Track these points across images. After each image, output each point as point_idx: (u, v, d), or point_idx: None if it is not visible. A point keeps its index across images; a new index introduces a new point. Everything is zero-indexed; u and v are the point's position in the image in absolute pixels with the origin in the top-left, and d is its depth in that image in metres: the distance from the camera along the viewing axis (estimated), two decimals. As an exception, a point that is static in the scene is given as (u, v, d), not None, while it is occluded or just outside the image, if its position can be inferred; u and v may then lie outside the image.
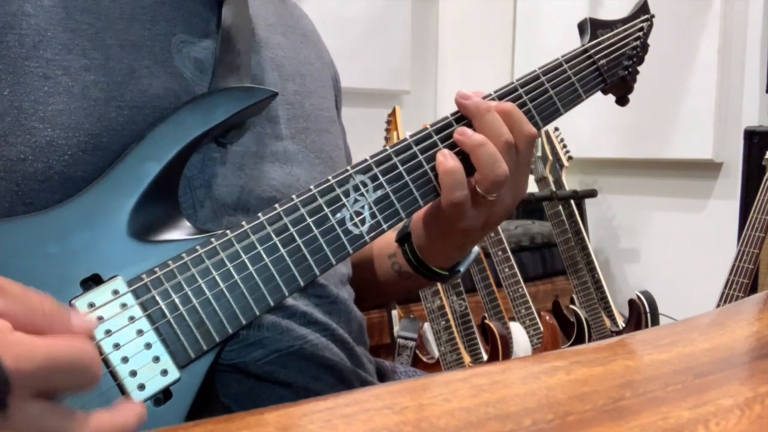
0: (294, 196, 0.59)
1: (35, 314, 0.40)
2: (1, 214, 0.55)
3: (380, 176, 0.63)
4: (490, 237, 2.08)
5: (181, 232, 0.57)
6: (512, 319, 2.11)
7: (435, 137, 0.65)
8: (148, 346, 0.52)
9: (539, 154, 2.42)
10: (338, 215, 0.60)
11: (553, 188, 2.36)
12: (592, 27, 0.77)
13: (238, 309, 0.55)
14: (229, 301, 0.55)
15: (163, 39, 0.64)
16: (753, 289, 1.83)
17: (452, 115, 0.67)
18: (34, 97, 0.57)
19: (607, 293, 2.34)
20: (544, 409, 0.39)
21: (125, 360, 0.51)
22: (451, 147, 0.65)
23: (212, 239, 0.56)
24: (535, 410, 0.38)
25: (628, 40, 0.79)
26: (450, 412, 0.38)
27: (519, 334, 2.07)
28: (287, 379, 0.63)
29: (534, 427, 0.36)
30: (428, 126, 0.66)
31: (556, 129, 2.47)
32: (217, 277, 0.55)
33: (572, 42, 0.77)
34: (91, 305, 0.51)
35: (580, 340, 2.26)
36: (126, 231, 0.55)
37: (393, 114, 2.06)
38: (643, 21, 0.81)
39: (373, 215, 0.62)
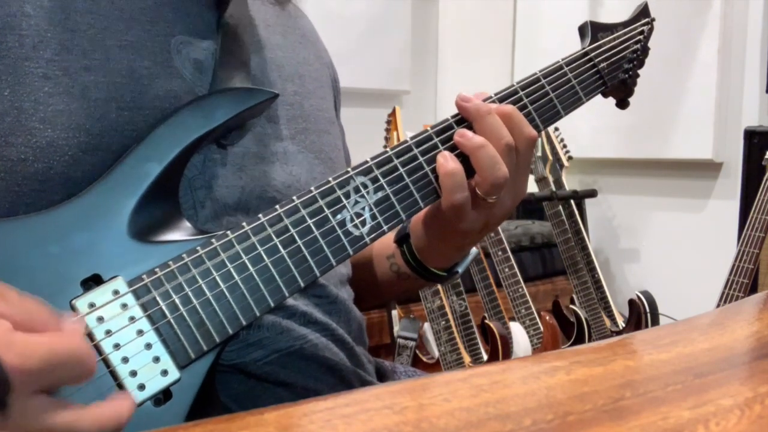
0: (295, 198, 0.59)
1: (32, 317, 0.42)
2: (2, 215, 0.55)
3: (381, 178, 0.63)
4: (490, 237, 2.08)
5: (181, 233, 0.58)
6: (512, 319, 2.11)
7: (435, 139, 0.66)
8: (149, 346, 0.52)
9: (539, 154, 2.42)
10: (339, 216, 0.60)
11: (553, 188, 2.36)
12: (592, 30, 0.77)
13: (238, 310, 0.55)
14: (229, 302, 0.55)
15: (163, 40, 0.64)
16: (753, 289, 1.83)
17: (452, 117, 0.67)
18: (35, 97, 0.57)
19: (607, 293, 2.34)
20: (544, 409, 0.39)
21: (125, 360, 0.51)
22: (452, 149, 0.65)
23: (213, 240, 0.56)
24: (535, 410, 0.38)
25: (628, 43, 0.79)
26: (450, 412, 0.38)
27: (519, 334, 2.07)
28: (287, 379, 0.63)
29: (534, 427, 0.36)
30: (429, 127, 0.66)
31: (556, 129, 2.47)
32: (217, 278, 0.55)
33: (572, 42, 0.77)
34: (92, 305, 0.51)
35: (580, 340, 2.26)
36: (126, 231, 0.55)
37: (393, 114, 2.06)
38: (643, 24, 0.81)
39: (373, 216, 0.62)
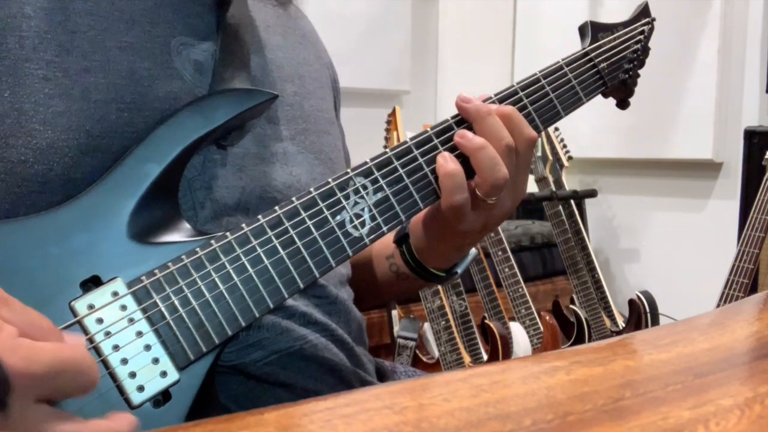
0: (294, 199, 0.59)
1: (34, 328, 0.42)
2: (2, 216, 0.55)
3: (380, 179, 0.63)
4: (490, 237, 2.08)
5: (181, 234, 0.58)
6: (512, 319, 2.11)
7: (435, 140, 0.66)
8: (148, 347, 0.52)
9: (539, 154, 2.42)
10: (338, 218, 0.60)
11: (553, 188, 2.36)
12: (593, 30, 0.77)
13: (237, 311, 0.55)
14: (228, 303, 0.55)
15: (163, 41, 0.64)
16: (753, 289, 1.83)
17: (452, 117, 0.67)
18: (35, 99, 0.57)
19: (607, 293, 2.34)
20: (544, 409, 0.39)
21: (125, 361, 0.51)
22: (451, 150, 0.65)
23: (212, 241, 0.56)
24: (535, 410, 0.38)
25: (629, 43, 0.79)
26: (450, 412, 0.38)
27: (519, 334, 2.07)
28: (287, 379, 0.63)
29: (534, 427, 0.36)
30: (428, 128, 0.66)
31: (556, 129, 2.47)
32: (216, 279, 0.55)
33: (572, 42, 0.77)
34: (91, 307, 0.51)
35: (580, 340, 2.26)
36: (126, 233, 0.55)
37: (393, 114, 2.06)
38: (644, 24, 0.81)
39: (372, 218, 0.62)
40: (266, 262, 0.57)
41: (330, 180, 0.61)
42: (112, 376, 0.50)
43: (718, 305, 1.81)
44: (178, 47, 0.65)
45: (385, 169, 0.63)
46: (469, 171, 0.65)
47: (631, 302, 2.27)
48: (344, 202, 0.61)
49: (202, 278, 0.55)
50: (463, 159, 0.65)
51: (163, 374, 0.52)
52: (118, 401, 0.50)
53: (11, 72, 0.57)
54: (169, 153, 0.58)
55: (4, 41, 0.57)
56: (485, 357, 1.96)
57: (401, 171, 0.64)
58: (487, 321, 1.99)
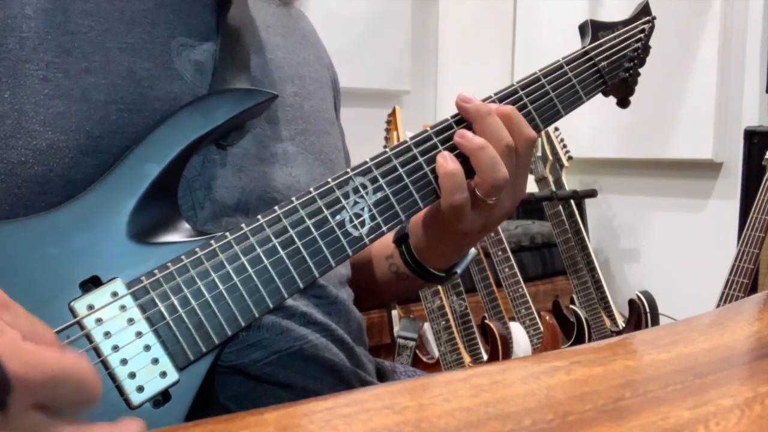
0: (294, 198, 0.59)
1: (37, 336, 0.40)
2: (2, 217, 0.55)
3: (380, 178, 0.63)
4: (490, 237, 2.08)
5: (180, 234, 0.57)
6: (512, 319, 2.11)
7: (435, 139, 0.65)
8: (147, 348, 0.52)
9: (539, 154, 2.42)
10: (338, 217, 0.60)
11: (553, 188, 2.36)
12: (593, 29, 0.77)
13: (237, 311, 0.55)
14: (228, 303, 0.55)
15: (163, 42, 0.64)
16: (753, 289, 1.83)
17: (452, 117, 0.67)
18: (35, 99, 0.57)
19: (607, 293, 2.34)
20: (544, 409, 0.39)
21: (124, 362, 0.51)
22: (451, 149, 0.65)
23: (212, 241, 0.56)
24: (535, 410, 0.38)
25: (629, 42, 0.79)
26: (450, 412, 0.38)
27: (519, 334, 2.07)
28: (287, 380, 0.63)
29: (534, 427, 0.36)
30: (428, 128, 0.66)
31: (556, 129, 2.47)
32: (216, 279, 0.55)
33: (572, 42, 0.77)
34: (90, 307, 0.51)
35: (580, 340, 2.26)
36: (125, 233, 0.55)
37: (393, 114, 2.06)
38: (644, 23, 0.81)
39: (372, 217, 0.62)
40: (266, 262, 0.57)
41: (329, 180, 0.61)
42: (112, 376, 0.50)
43: (718, 305, 1.81)
44: (178, 48, 0.65)
45: (384, 169, 0.63)
46: (469, 171, 0.65)
47: (631, 302, 2.27)
48: (344, 202, 0.61)
49: (202, 278, 0.55)
50: (463, 159, 0.65)
51: (163, 374, 0.52)
52: (117, 401, 0.50)
53: (11, 73, 0.57)
54: (168, 153, 0.58)
55: (4, 42, 0.57)
56: (485, 357, 1.96)
57: (401, 170, 0.64)
58: (487, 321, 1.99)
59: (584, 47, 0.76)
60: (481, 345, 1.97)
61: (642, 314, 2.23)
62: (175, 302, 0.53)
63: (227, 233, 0.56)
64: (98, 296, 0.52)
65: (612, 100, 0.82)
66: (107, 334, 0.51)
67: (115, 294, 0.52)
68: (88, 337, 0.50)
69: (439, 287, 1.92)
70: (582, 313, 2.29)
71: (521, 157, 0.67)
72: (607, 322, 2.30)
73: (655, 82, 2.31)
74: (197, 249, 0.55)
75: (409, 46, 2.89)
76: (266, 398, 0.62)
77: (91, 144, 0.58)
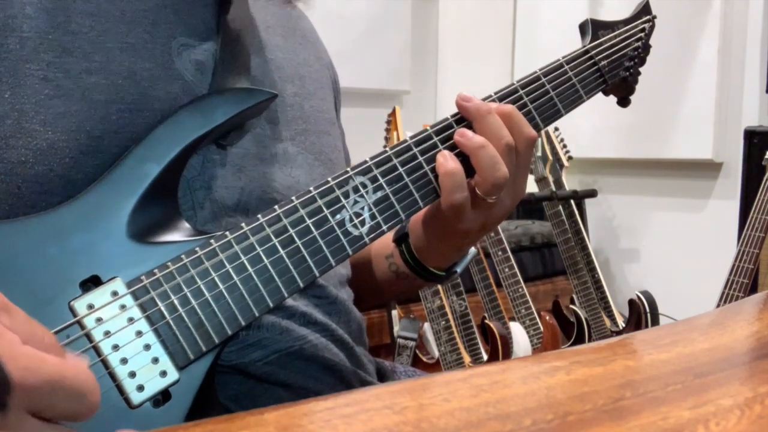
0: (294, 198, 0.59)
1: (36, 340, 0.40)
2: (2, 217, 0.55)
3: (380, 177, 0.63)
4: (490, 237, 2.08)
5: (180, 234, 0.57)
6: (512, 319, 2.11)
7: (435, 138, 0.65)
8: (147, 347, 0.52)
9: (539, 154, 2.42)
10: (338, 216, 0.60)
11: (553, 188, 2.36)
12: (593, 28, 0.77)
13: (237, 310, 0.55)
14: (228, 303, 0.55)
15: (164, 42, 0.64)
16: (753, 289, 1.83)
17: (452, 116, 0.67)
18: (35, 99, 0.57)
19: (607, 293, 2.35)
20: (544, 409, 0.39)
21: (124, 361, 0.51)
22: (451, 148, 0.65)
23: (212, 241, 0.56)
24: (535, 410, 0.38)
25: (629, 41, 0.79)
26: (450, 412, 0.38)
27: (519, 334, 2.07)
28: (287, 379, 0.63)
29: (534, 427, 0.36)
30: (428, 127, 0.66)
31: (556, 129, 2.47)
32: (216, 279, 0.55)
33: (572, 42, 0.77)
34: (90, 306, 0.51)
35: (580, 340, 2.26)
36: (125, 232, 0.55)
37: (393, 114, 2.06)
38: (644, 22, 0.81)
39: (372, 216, 0.62)
40: (266, 261, 0.57)
41: (330, 179, 0.61)
42: (112, 375, 0.50)
43: (718, 305, 1.81)
44: (178, 48, 0.65)
45: (384, 168, 0.63)
46: (469, 170, 0.65)
47: (631, 302, 2.27)
48: (344, 201, 0.61)
49: (202, 277, 0.55)
50: (463, 158, 0.65)
51: (163, 374, 0.52)
52: (117, 401, 0.50)
53: (12, 73, 0.57)
54: (168, 152, 0.58)
55: (4, 42, 0.57)
56: (485, 357, 1.96)
57: (401, 170, 0.64)
58: (487, 321, 1.99)
59: (584, 46, 0.76)
60: (481, 345, 1.97)
61: (642, 314, 2.23)
62: (175, 301, 0.53)
63: (227, 233, 0.56)
64: (98, 295, 0.52)
65: (612, 99, 0.82)
66: (107, 334, 0.51)
67: (115, 293, 0.52)
68: (88, 337, 0.50)
69: (439, 287, 1.93)
70: (582, 313, 2.29)
71: (521, 156, 0.67)
72: (607, 322, 2.30)
73: (655, 82, 2.31)
74: (197, 248, 0.55)
75: (409, 46, 2.89)
76: (266, 398, 0.62)
77: (91, 144, 0.58)
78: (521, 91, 0.70)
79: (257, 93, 0.64)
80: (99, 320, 0.51)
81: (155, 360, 0.52)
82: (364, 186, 0.62)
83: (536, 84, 0.71)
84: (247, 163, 0.66)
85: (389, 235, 0.74)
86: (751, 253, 1.78)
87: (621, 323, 2.31)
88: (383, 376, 0.79)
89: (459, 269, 0.76)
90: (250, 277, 0.56)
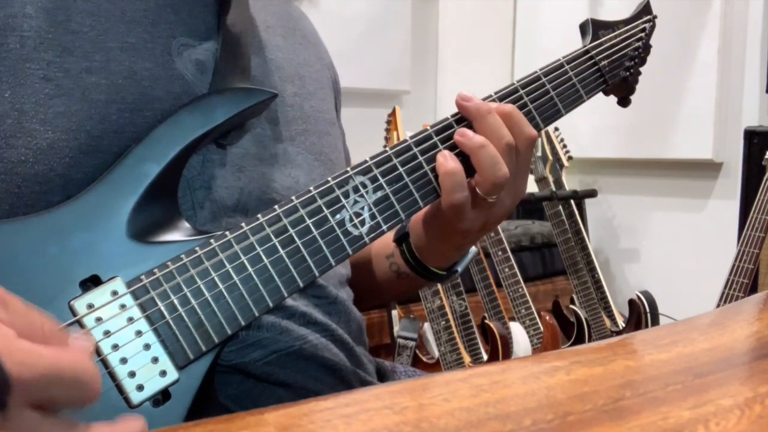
0: (294, 197, 0.59)
1: (35, 330, 0.40)
2: (2, 216, 0.55)
3: (380, 177, 0.63)
4: (490, 237, 2.08)
5: (180, 234, 0.57)
6: (512, 319, 2.11)
7: (435, 138, 0.65)
8: (147, 347, 0.52)
9: (539, 154, 2.42)
10: (338, 216, 0.60)
11: (553, 188, 2.36)
12: (593, 28, 0.77)
13: (237, 310, 0.55)
14: (228, 302, 0.55)
15: (164, 42, 0.64)
16: (753, 289, 1.83)
17: (452, 116, 0.67)
18: (35, 99, 0.57)
19: (607, 293, 2.34)
20: (544, 409, 0.39)
21: (124, 361, 0.51)
22: (451, 148, 0.65)
23: (211, 240, 0.56)
24: (535, 410, 0.38)
25: (630, 41, 0.79)
26: (450, 412, 0.38)
27: (519, 334, 2.07)
28: (287, 379, 0.63)
29: (534, 427, 0.36)
30: (428, 127, 0.66)
31: (556, 129, 2.47)
32: (216, 278, 0.55)
33: (572, 42, 0.77)
34: (90, 306, 0.51)
35: (580, 340, 2.26)
36: (125, 232, 0.55)
37: (393, 114, 2.06)
38: (645, 22, 0.81)
39: (372, 216, 0.61)
40: (265, 260, 0.57)
41: (330, 179, 0.61)
42: (112, 375, 0.50)
43: (718, 305, 1.81)
44: (178, 48, 0.65)
45: (384, 168, 0.63)
46: (469, 169, 0.65)
47: (631, 302, 2.27)
48: (344, 201, 0.61)
49: (202, 277, 0.55)
50: (463, 158, 0.65)
51: (163, 373, 0.52)
52: (117, 400, 0.50)
53: (12, 72, 0.57)
54: (168, 152, 0.58)
55: (5, 41, 0.57)
56: (485, 357, 1.96)
57: (401, 169, 0.64)
58: (487, 321, 1.99)
59: (585, 46, 0.76)
60: (481, 345, 1.97)
61: (642, 314, 2.23)
62: (175, 301, 0.53)
63: (227, 232, 0.56)
64: (98, 295, 0.52)
65: (612, 99, 0.82)
66: (107, 333, 0.51)
67: (114, 293, 0.52)
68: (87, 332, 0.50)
69: (439, 287, 1.93)
70: (582, 313, 2.29)
71: (522, 156, 0.67)
72: (607, 322, 2.30)
73: (655, 82, 2.31)
74: (197, 248, 0.55)
75: (409, 46, 2.89)
76: (266, 398, 0.62)
77: (91, 143, 0.58)
78: (521, 91, 0.70)
79: (257, 93, 0.64)
80: (99, 320, 0.51)
81: (155, 360, 0.52)
82: (364, 186, 0.62)
83: (536, 84, 0.71)
84: (247, 164, 0.66)
85: (389, 235, 0.74)
86: (751, 253, 1.78)
87: (621, 323, 2.31)
88: (383, 376, 0.79)
89: (460, 268, 0.76)
90: (249, 276, 0.56)
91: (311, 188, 0.60)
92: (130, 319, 0.52)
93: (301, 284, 0.57)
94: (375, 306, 1.95)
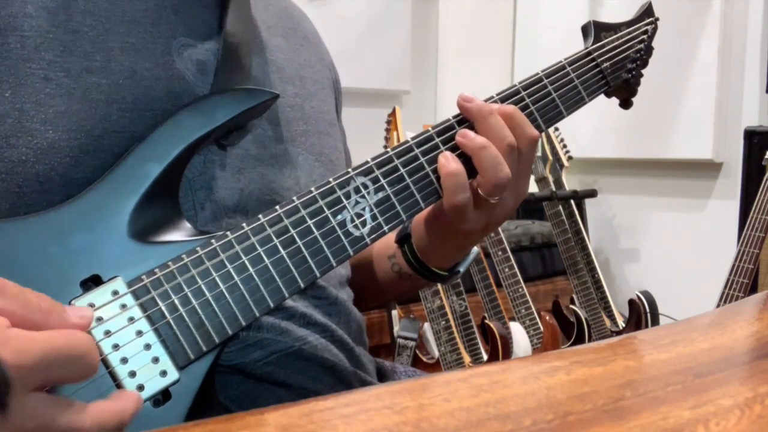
0: (295, 198, 0.59)
1: (32, 311, 0.41)
2: (3, 216, 0.55)
3: (381, 178, 0.63)
4: (490, 237, 2.08)
5: (181, 234, 0.58)
6: (512, 319, 2.11)
7: (437, 139, 0.65)
8: (148, 346, 0.52)
9: (539, 154, 2.42)
10: (339, 217, 0.60)
11: (553, 188, 2.36)
12: (595, 29, 0.77)
13: (237, 310, 0.55)
14: (228, 303, 0.55)
15: (165, 42, 0.64)
16: (753, 289, 1.83)
17: (454, 117, 0.67)
18: (36, 98, 0.57)
19: (607, 293, 2.35)
20: (544, 409, 0.39)
21: (124, 360, 0.51)
22: (453, 149, 0.65)
23: (212, 240, 0.56)
24: (535, 410, 0.38)
25: (632, 42, 0.79)
26: (450, 412, 0.38)
27: (519, 334, 2.07)
28: (287, 379, 0.63)
29: (534, 427, 0.36)
30: (430, 128, 0.66)
31: (556, 129, 2.47)
32: (217, 279, 0.55)
33: (573, 43, 0.77)
34: (91, 305, 0.51)
35: (580, 340, 2.26)
36: (126, 232, 0.55)
37: (393, 114, 2.06)
38: (647, 24, 0.81)
39: (374, 217, 0.62)
40: (266, 261, 0.57)
41: (331, 179, 0.61)
42: (112, 375, 0.50)
43: (718, 305, 1.81)
44: (179, 48, 0.65)
45: (386, 169, 0.63)
46: (471, 170, 0.65)
47: (631, 302, 2.27)
48: (345, 202, 0.61)
49: (202, 277, 0.55)
50: (465, 158, 0.65)
51: (163, 373, 0.52)
52: (118, 400, 0.50)
53: (12, 72, 0.57)
54: (169, 152, 0.58)
55: (5, 41, 0.57)
56: (485, 357, 1.96)
57: (402, 170, 0.64)
58: (487, 321, 1.99)
59: (587, 48, 0.76)
60: (481, 345, 1.97)
61: (642, 314, 2.23)
62: (176, 301, 0.53)
63: (228, 233, 0.56)
64: (99, 295, 0.52)
65: (612, 100, 0.82)
66: (107, 333, 0.51)
67: (115, 293, 0.52)
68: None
69: (439, 287, 1.93)
70: (582, 313, 2.29)
71: (523, 157, 0.67)
72: (607, 322, 2.30)
73: (655, 82, 2.30)
74: (198, 248, 0.55)
75: (409, 46, 2.89)
76: (266, 398, 0.62)
77: (92, 143, 0.58)
78: (523, 93, 0.70)
79: (258, 93, 0.64)
80: (99, 319, 0.51)
81: (155, 359, 0.52)
82: (366, 186, 0.62)
83: (538, 85, 0.71)
84: (247, 164, 0.66)
85: (391, 236, 0.74)
86: (751, 253, 1.78)
87: (621, 323, 2.32)
88: (383, 376, 0.79)
89: (462, 269, 0.76)
90: (250, 277, 0.56)
91: (312, 189, 0.60)
92: (131, 319, 0.52)
93: (302, 285, 0.57)
94: (375, 306, 1.95)
